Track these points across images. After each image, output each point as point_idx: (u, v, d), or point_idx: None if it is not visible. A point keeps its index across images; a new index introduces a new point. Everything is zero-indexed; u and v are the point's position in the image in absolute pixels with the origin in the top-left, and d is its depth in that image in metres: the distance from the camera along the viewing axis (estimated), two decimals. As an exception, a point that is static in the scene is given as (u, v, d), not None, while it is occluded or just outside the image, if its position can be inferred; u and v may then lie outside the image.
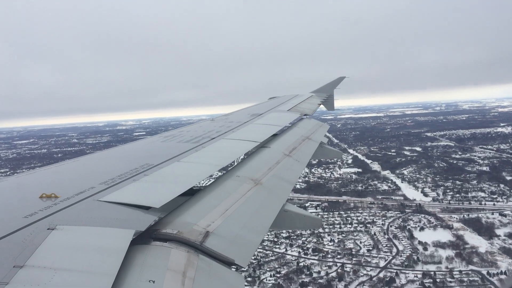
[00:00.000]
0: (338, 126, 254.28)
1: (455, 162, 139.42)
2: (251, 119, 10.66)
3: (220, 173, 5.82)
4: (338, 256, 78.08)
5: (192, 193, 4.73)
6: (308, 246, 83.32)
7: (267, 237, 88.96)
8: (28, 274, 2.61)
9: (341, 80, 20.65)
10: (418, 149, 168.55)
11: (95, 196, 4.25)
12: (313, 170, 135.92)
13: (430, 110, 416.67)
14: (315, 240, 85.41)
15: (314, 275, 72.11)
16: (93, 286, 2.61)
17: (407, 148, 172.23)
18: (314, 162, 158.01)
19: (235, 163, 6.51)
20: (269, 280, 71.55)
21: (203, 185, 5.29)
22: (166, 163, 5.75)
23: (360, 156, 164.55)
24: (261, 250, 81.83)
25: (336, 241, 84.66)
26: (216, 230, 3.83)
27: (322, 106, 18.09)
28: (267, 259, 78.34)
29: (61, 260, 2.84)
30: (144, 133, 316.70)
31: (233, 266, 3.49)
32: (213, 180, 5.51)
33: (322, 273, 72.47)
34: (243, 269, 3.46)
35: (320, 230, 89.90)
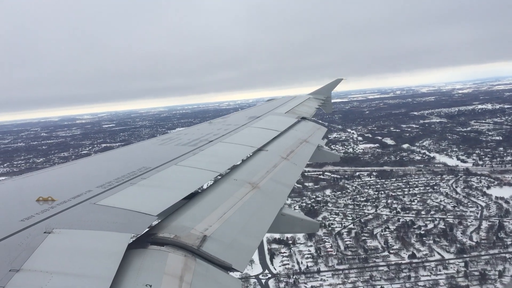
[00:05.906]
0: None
1: (465, 134, 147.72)
2: (249, 122, 10.61)
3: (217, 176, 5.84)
4: (432, 212, 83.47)
5: (189, 196, 4.72)
6: (394, 206, 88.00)
7: (348, 202, 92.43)
8: (24, 278, 2.60)
9: (338, 82, 20.92)
10: (415, 126, 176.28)
11: (92, 199, 4.22)
12: (332, 146, 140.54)
13: (392, 94, 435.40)
14: (395, 201, 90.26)
15: (422, 228, 76.86)
16: None
17: (403, 126, 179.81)
18: (330, 137, 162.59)
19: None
20: (383, 235, 75.31)
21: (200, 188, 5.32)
22: (163, 166, 5.72)
23: (364, 134, 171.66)
24: (351, 213, 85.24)
25: (415, 201, 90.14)
26: (214, 234, 3.81)
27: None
28: (366, 218, 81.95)
29: (58, 264, 2.84)
30: (113, 124, 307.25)
31: (233, 271, 3.50)
32: (211, 183, 5.48)
33: (429, 226, 77.35)
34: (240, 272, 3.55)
35: (392, 193, 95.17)
